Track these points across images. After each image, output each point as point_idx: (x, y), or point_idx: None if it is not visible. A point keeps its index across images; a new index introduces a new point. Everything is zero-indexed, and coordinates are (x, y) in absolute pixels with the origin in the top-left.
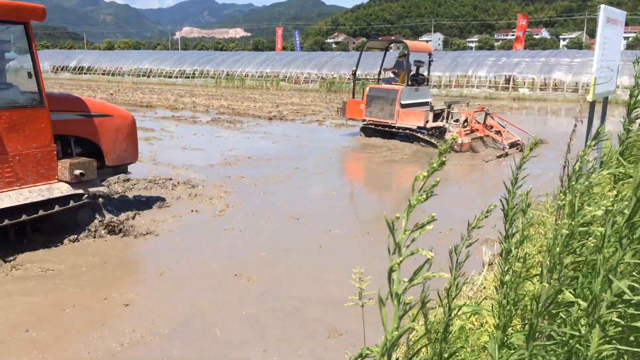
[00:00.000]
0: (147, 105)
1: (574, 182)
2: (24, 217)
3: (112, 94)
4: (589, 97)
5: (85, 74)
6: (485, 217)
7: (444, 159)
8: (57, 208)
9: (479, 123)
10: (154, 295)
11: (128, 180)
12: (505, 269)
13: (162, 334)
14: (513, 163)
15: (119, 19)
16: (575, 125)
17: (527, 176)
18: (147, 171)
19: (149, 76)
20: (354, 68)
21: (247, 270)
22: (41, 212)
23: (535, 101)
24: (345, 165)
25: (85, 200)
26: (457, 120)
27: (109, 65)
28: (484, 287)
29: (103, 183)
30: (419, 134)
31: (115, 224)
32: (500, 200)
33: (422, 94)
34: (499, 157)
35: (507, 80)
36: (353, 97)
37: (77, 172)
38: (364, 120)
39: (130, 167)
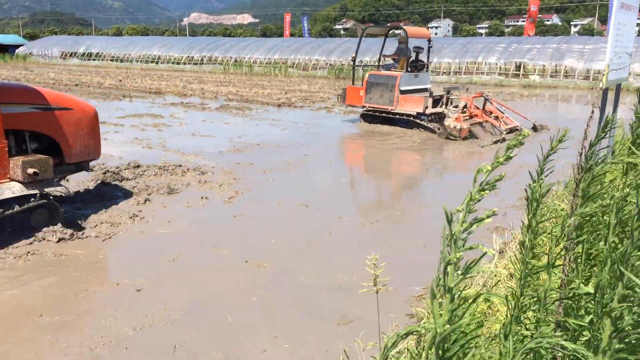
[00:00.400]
0: (156, 92)
1: (587, 170)
2: None
3: (121, 80)
4: (602, 84)
5: (94, 60)
6: (494, 215)
7: (511, 154)
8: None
9: (478, 109)
10: (165, 281)
11: (138, 167)
12: (529, 259)
13: (173, 319)
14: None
15: (128, 5)
16: (593, 112)
17: (553, 167)
18: (157, 158)
19: (157, 62)
20: (353, 55)
21: (257, 256)
22: None
23: (545, 88)
24: (354, 152)
25: (40, 202)
26: (456, 106)
27: (118, 51)
28: (495, 276)
29: (61, 182)
30: (418, 120)
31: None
32: (525, 190)
33: (422, 80)
34: (495, 142)
35: (518, 67)
36: (353, 83)
37: (31, 170)
38: (363, 107)
39: (139, 154)
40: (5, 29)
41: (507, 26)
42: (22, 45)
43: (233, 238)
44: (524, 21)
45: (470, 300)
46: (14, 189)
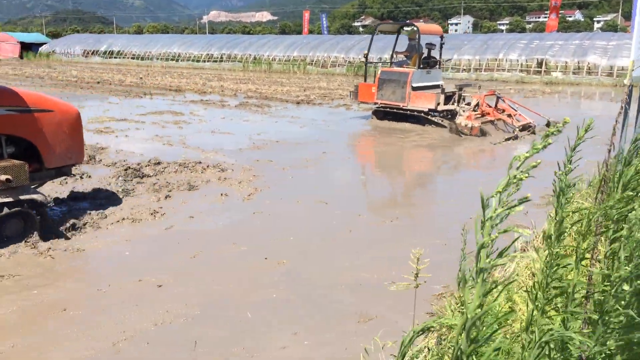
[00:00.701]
0: (176, 89)
1: (626, 164)
2: None
3: (141, 77)
4: (626, 81)
5: (115, 58)
6: (527, 201)
7: (549, 140)
8: None
9: (490, 107)
10: (186, 277)
11: (159, 163)
12: (554, 253)
13: (194, 315)
14: (524, 146)
15: (149, 3)
16: (622, 108)
17: (579, 160)
18: (177, 155)
19: (177, 60)
20: (365, 52)
21: (276, 253)
22: None
23: (568, 85)
24: (374, 149)
25: (11, 211)
26: (468, 104)
27: (139, 49)
28: (517, 274)
29: (38, 189)
30: (429, 117)
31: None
32: (553, 183)
33: (434, 77)
34: (507, 139)
35: (539, 64)
36: (365, 80)
37: (3, 177)
38: (375, 104)
39: (160, 151)
40: (29, 27)
41: (529, 22)
42: (45, 43)
43: (252, 235)
44: (545, 17)
45: (500, 286)
46: None
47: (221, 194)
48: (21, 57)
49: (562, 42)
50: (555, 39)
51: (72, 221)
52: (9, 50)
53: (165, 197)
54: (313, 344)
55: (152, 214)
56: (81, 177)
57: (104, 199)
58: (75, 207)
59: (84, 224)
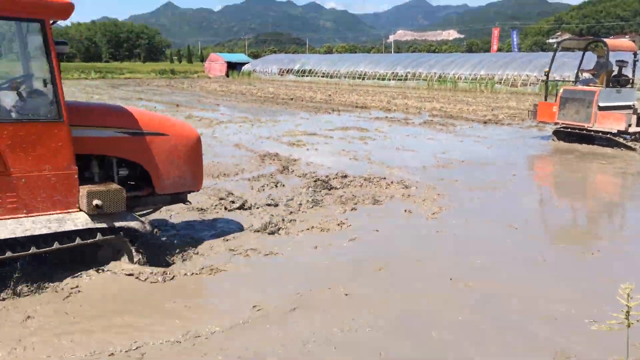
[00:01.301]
0: (362, 106)
1: None
2: (7, 254)
3: (330, 95)
4: None
5: (307, 76)
6: None
7: None
8: (55, 245)
9: None
10: (371, 289)
11: (345, 177)
12: None
13: (379, 326)
14: None
15: (338, 24)
16: None
17: None
18: (363, 169)
19: (363, 78)
20: (547, 69)
21: (462, 275)
22: (33, 250)
23: None
24: (570, 174)
25: (97, 239)
26: None
27: (328, 68)
28: None
29: (138, 215)
30: (618, 139)
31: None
32: None
33: (625, 97)
34: None
35: None
36: (545, 99)
37: (95, 202)
38: (556, 124)
39: (346, 164)
40: (234, 48)
41: None
42: (247, 63)
43: (437, 254)
44: None
45: None
46: (77, 221)
47: (405, 210)
48: (227, 75)
49: None
50: None
51: (270, 223)
52: (218, 69)
53: (351, 209)
54: None
55: (339, 224)
56: (276, 186)
57: (299, 205)
58: (270, 213)
59: (278, 229)
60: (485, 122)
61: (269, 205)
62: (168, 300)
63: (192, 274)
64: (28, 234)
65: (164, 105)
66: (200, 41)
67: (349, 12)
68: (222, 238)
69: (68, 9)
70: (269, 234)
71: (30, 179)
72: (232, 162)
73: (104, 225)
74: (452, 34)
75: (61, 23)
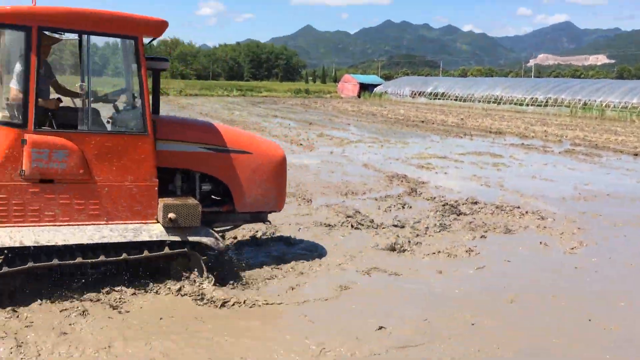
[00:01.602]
0: (496, 132)
1: None
2: (78, 259)
3: (462, 118)
4: None
5: (439, 99)
6: None
7: None
8: (123, 256)
9: None
10: (500, 320)
11: (475, 203)
12: None
13: (507, 358)
14: None
15: (475, 47)
16: None
17: None
18: (494, 196)
19: (498, 103)
20: None
21: (602, 316)
22: (102, 258)
23: None
24: None
25: (166, 252)
26: None
27: (461, 91)
28: None
29: (214, 232)
30: None
31: None
32: None
33: None
34: None
35: None
36: None
37: (170, 215)
38: None
39: (477, 190)
40: (367, 70)
41: None
42: (379, 84)
43: (574, 291)
44: None
45: None
46: (152, 232)
47: (540, 242)
48: (359, 96)
49: None
50: None
51: (396, 244)
52: (350, 90)
53: (481, 237)
54: None
55: (467, 251)
56: (403, 207)
57: (425, 228)
58: (396, 234)
59: (403, 250)
60: (636, 154)
61: (395, 226)
62: (295, 316)
63: (319, 298)
64: (105, 241)
65: (296, 123)
66: (335, 62)
67: (487, 35)
68: (348, 255)
69: (161, 27)
70: (394, 254)
71: (112, 188)
72: (360, 181)
73: (177, 238)
74: (600, 59)
75: (209, 43)
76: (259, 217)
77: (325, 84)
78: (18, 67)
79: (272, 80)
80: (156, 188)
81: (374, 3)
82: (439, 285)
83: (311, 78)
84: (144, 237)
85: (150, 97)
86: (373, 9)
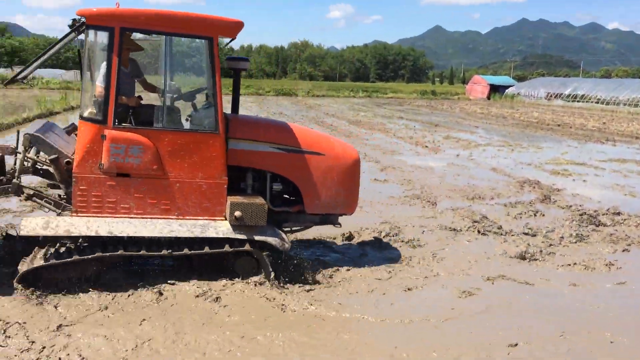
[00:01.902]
0: None
1: None
2: (142, 251)
3: (604, 122)
4: None
5: (578, 101)
6: None
7: None
8: (185, 251)
9: None
10: None
11: (618, 214)
12: None
13: None
14: None
15: (620, 46)
16: None
17: None
18: None
19: None
20: None
21: None
22: (164, 252)
23: None
24: None
25: (228, 249)
26: None
27: (604, 93)
28: None
29: (281, 232)
30: None
31: None
32: None
33: None
34: None
35: None
36: None
37: (236, 214)
38: None
39: (620, 200)
40: (498, 70)
41: None
42: (511, 86)
43: None
44: None
45: None
46: (219, 229)
47: None
48: (488, 97)
49: None
50: None
51: (526, 252)
52: (479, 91)
53: (623, 250)
54: None
55: (606, 264)
56: (535, 215)
57: (555, 239)
58: (527, 242)
59: (535, 259)
60: None
61: (525, 234)
62: (418, 326)
63: (442, 305)
64: (173, 235)
65: (422, 124)
66: (464, 63)
67: (635, 33)
68: (473, 260)
69: (236, 28)
70: (524, 262)
71: (183, 184)
72: (488, 186)
73: (243, 236)
74: None
75: (337, 45)
76: (329, 219)
77: (453, 85)
78: (104, 66)
79: (398, 81)
80: (225, 186)
81: (509, 1)
82: (574, 298)
83: (438, 79)
84: (211, 233)
85: (230, 96)
86: (507, 8)
